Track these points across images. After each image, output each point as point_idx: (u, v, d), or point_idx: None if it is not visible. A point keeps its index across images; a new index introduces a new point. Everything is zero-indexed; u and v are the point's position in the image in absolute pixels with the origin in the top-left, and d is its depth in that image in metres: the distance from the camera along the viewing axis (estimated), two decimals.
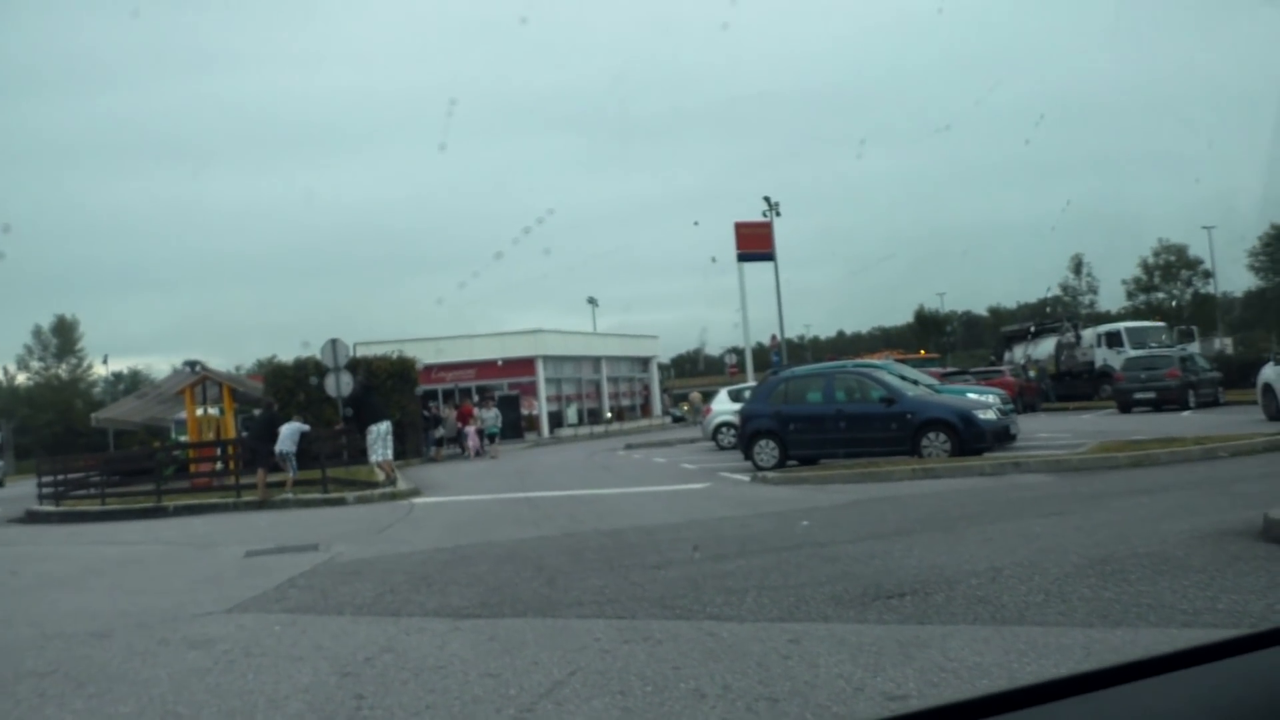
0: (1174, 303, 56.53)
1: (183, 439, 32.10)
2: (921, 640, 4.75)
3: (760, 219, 43.48)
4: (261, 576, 8.54)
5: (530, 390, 42.38)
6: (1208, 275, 59.18)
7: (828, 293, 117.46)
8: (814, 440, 15.81)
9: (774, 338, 42.78)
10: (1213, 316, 53.94)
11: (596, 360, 47.88)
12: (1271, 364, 19.45)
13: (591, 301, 66.74)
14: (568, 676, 4.54)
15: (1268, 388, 19.06)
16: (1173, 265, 60.03)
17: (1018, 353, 38.87)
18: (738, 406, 23.98)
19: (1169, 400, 25.26)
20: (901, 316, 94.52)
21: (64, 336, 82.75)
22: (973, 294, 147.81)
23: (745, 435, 16.60)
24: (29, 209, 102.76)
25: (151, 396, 30.61)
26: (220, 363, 30.84)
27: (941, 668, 4.26)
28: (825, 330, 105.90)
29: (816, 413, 15.82)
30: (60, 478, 21.93)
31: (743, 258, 42.17)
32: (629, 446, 29.83)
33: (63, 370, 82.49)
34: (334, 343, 22.08)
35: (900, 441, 14.84)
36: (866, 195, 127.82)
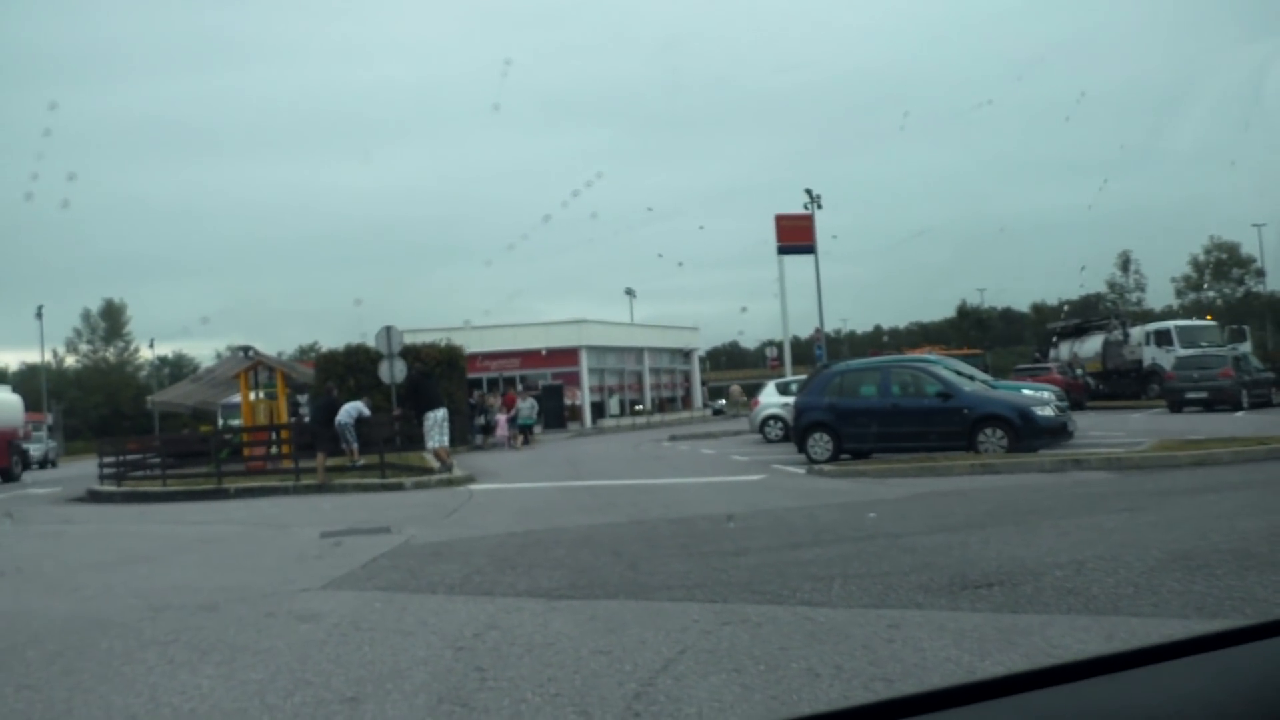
0: (1222, 301, 55.75)
1: (234, 423, 32.75)
2: (1020, 628, 4.87)
3: (801, 212, 43.47)
4: (344, 556, 8.80)
5: (573, 380, 42.67)
6: (1260, 274, 58.30)
7: (864, 288, 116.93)
8: (868, 434, 15.89)
9: (817, 330, 42.72)
10: (1263, 316, 53.14)
11: (639, 351, 48.09)
12: None
13: (629, 293, 66.93)
14: (678, 655, 4.72)
15: None
16: (1224, 263, 59.15)
17: (1063, 350, 38.58)
18: (785, 400, 24.11)
19: (1222, 400, 25.03)
20: (939, 312, 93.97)
21: (112, 320, 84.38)
22: (1012, 290, 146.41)
23: (799, 428, 16.70)
24: (78, 194, 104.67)
25: (205, 381, 31.23)
26: (262, 348, 31.46)
27: (1047, 653, 4.39)
28: (862, 325, 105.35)
29: (871, 406, 15.89)
30: (121, 459, 22.46)
31: (783, 250, 42.16)
32: (674, 438, 29.99)
33: (110, 354, 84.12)
34: (389, 330, 22.36)
35: (956, 436, 14.88)
36: (902, 189, 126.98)
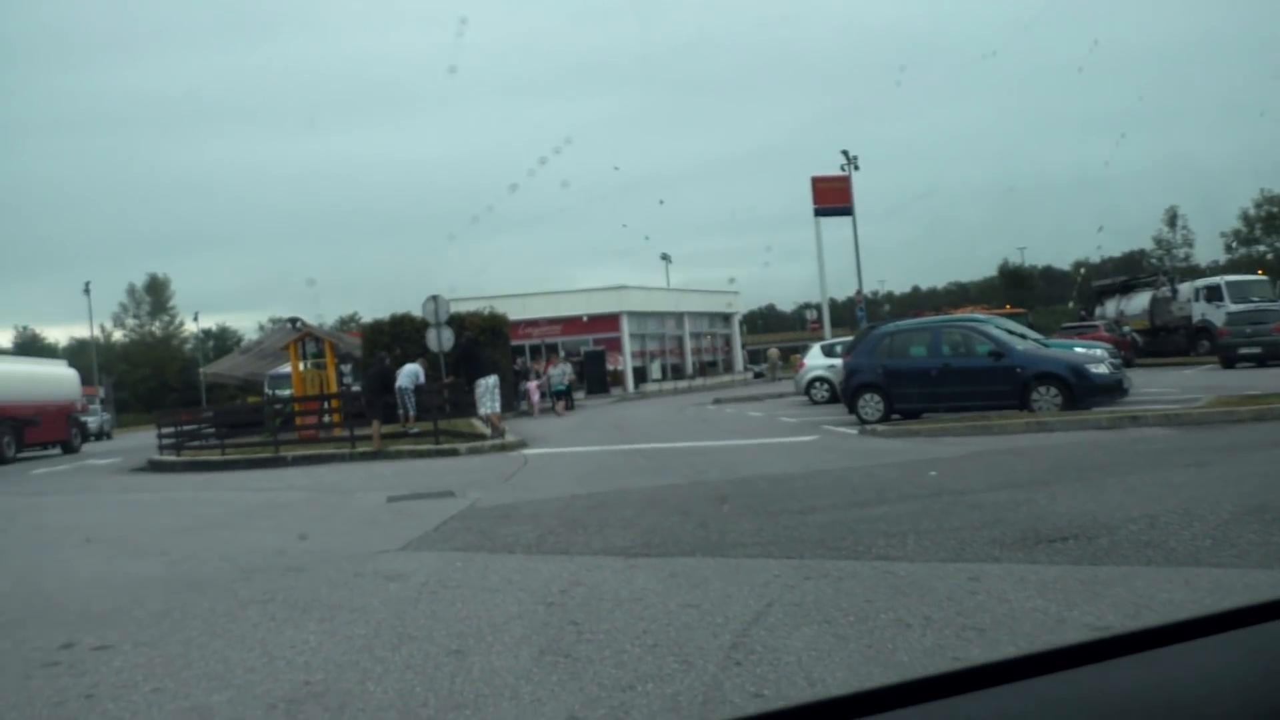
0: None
1: (282, 393, 33.28)
2: (1103, 580, 4.94)
3: (838, 173, 43.14)
4: (414, 519, 9.02)
5: (615, 346, 42.84)
6: None
7: (901, 249, 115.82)
8: (919, 394, 15.90)
9: (858, 292, 42.50)
10: None
11: (679, 316, 48.13)
12: None
13: (665, 258, 66.87)
14: (765, 608, 4.84)
15: None
16: (1275, 216, 57.85)
17: (1109, 307, 38.08)
18: (830, 362, 24.15)
19: (1275, 356, 24.64)
20: (979, 271, 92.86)
21: (156, 295, 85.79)
22: (1053, 248, 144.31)
23: (849, 389, 16.73)
24: (121, 171, 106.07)
25: (254, 352, 31.69)
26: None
27: (1135, 604, 4.46)
28: (900, 286, 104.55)
29: (922, 366, 15.87)
30: (179, 429, 22.99)
31: (819, 212, 41.96)
32: (718, 401, 30.10)
33: (156, 327, 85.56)
34: (435, 299, 22.62)
35: (1009, 395, 14.85)
36: (940, 149, 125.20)
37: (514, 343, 36.62)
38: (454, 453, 16.98)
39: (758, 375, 51.95)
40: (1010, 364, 15.02)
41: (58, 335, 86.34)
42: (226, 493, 13.70)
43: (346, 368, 32.29)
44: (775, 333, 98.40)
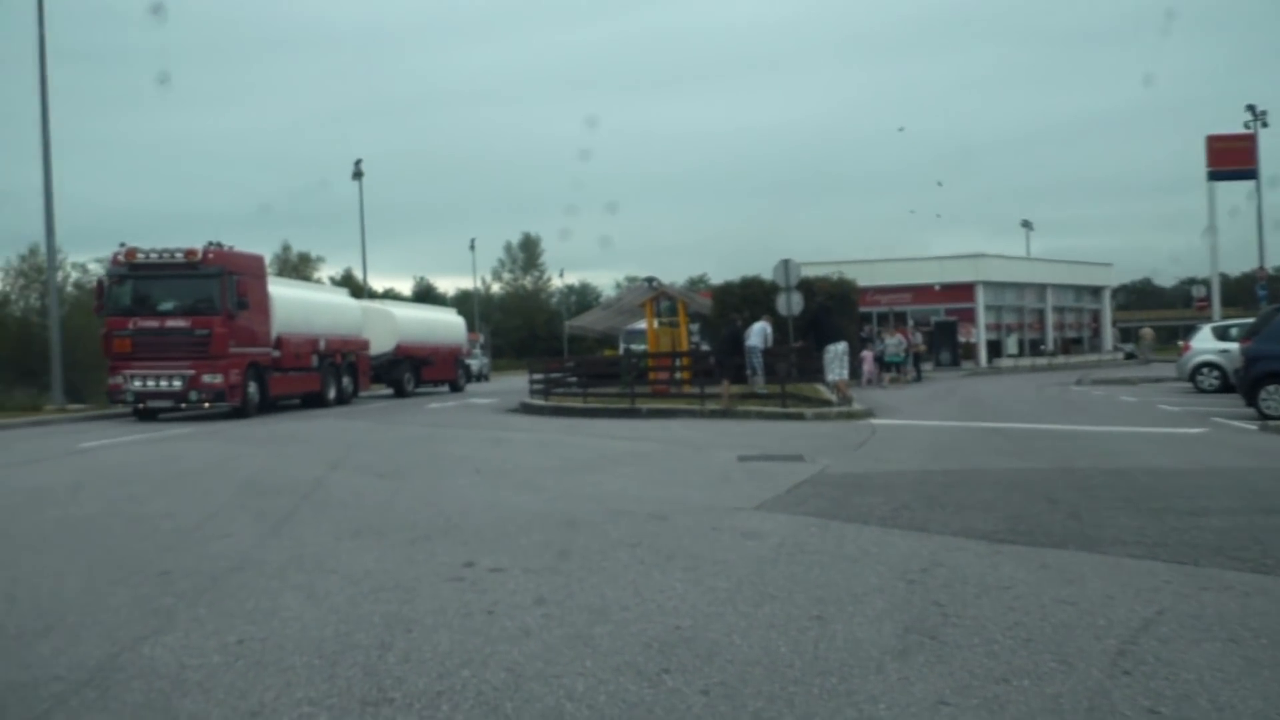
0: None
1: (636, 348, 35.18)
2: None
3: (1241, 131, 37.87)
4: (765, 480, 9.19)
5: (968, 317, 40.91)
6: None
7: None
8: None
9: (1260, 269, 37.37)
10: None
11: (1041, 288, 44.96)
12: None
13: (1026, 225, 62.68)
14: (1155, 616, 4.42)
15: None
16: None
17: None
18: (1222, 345, 21.58)
19: None
20: None
21: (529, 252, 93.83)
22: None
23: (1249, 379, 14.81)
24: (500, 141, 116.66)
25: (613, 308, 33.72)
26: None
27: None
28: None
29: None
30: (547, 376, 25.05)
31: (1214, 176, 37.14)
32: (1082, 382, 27.88)
33: (528, 281, 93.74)
34: (786, 263, 22.70)
35: None
36: None
37: (861, 309, 36.07)
38: (800, 416, 17.07)
39: (1129, 356, 47.47)
40: None
41: (446, 286, 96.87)
42: (589, 439, 14.71)
43: (695, 327, 33.45)
44: (1150, 310, 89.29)
